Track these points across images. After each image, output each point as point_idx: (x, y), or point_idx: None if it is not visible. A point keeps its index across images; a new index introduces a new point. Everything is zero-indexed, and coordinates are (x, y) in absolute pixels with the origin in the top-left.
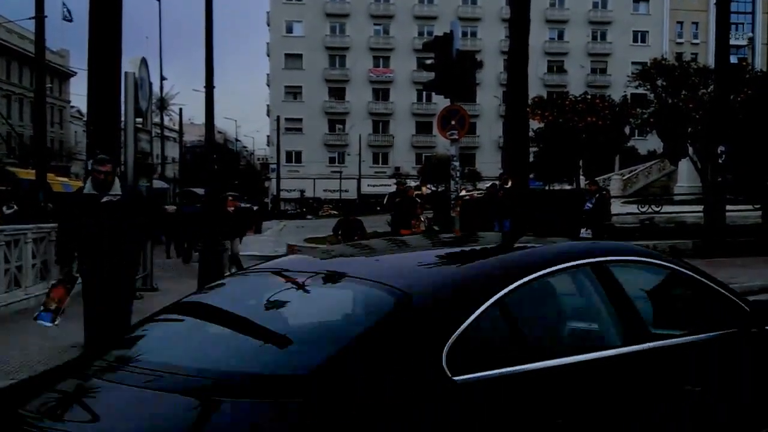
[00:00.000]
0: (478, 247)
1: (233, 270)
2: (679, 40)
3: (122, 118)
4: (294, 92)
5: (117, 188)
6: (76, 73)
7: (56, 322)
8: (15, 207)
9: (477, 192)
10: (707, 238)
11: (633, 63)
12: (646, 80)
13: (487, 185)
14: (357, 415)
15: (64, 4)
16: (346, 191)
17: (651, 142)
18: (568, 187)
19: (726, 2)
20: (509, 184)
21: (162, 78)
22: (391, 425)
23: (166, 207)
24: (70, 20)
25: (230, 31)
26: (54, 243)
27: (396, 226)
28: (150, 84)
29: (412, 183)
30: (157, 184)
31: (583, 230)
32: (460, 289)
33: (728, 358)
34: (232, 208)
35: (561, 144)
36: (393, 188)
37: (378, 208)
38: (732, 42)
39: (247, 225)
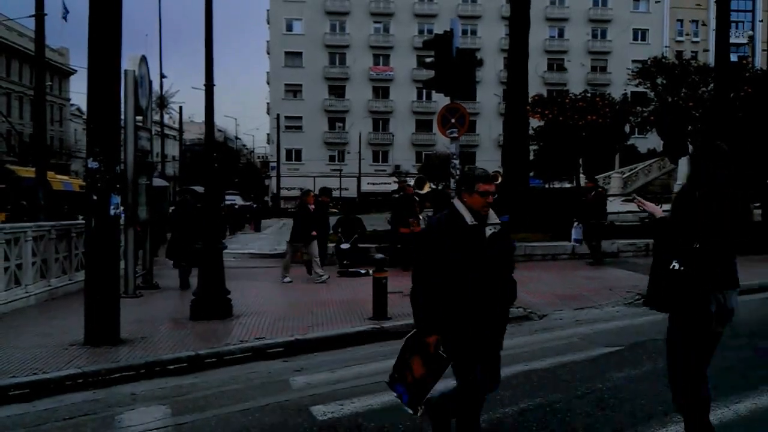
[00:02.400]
0: None
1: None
2: (679, 39)
3: (122, 116)
4: (294, 90)
5: (493, 215)
6: (75, 71)
7: (419, 412)
8: None
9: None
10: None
11: (633, 61)
12: (646, 78)
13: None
14: None
15: (63, 2)
16: (346, 189)
17: (651, 141)
18: (568, 185)
19: (726, 0)
20: (499, 180)
21: (162, 76)
22: None
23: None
24: (65, 17)
25: (230, 29)
26: (416, 296)
27: (396, 224)
28: (150, 82)
29: (411, 181)
30: (157, 182)
31: (576, 223)
32: None
33: None
34: (313, 206)
35: (561, 142)
36: (395, 186)
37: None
38: (732, 40)
39: (328, 224)
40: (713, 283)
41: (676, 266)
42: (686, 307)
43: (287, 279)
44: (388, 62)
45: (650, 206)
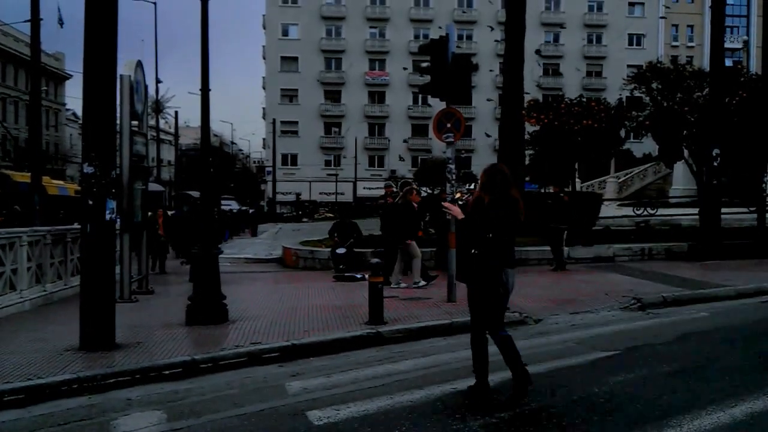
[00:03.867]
0: None
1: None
2: (674, 43)
3: (117, 121)
4: (290, 95)
5: None
6: (71, 76)
7: None
8: None
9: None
10: (702, 241)
11: (628, 66)
12: (642, 83)
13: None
14: None
15: (59, 8)
16: (342, 194)
17: (646, 145)
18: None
19: (721, 5)
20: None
21: (157, 81)
22: None
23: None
24: (61, 23)
25: (226, 34)
26: None
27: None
28: (145, 87)
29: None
30: (153, 187)
31: None
32: None
33: None
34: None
35: (556, 147)
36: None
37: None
38: (727, 45)
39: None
40: (501, 261)
41: (474, 251)
42: (482, 279)
43: (422, 283)
44: (383, 67)
45: (454, 210)
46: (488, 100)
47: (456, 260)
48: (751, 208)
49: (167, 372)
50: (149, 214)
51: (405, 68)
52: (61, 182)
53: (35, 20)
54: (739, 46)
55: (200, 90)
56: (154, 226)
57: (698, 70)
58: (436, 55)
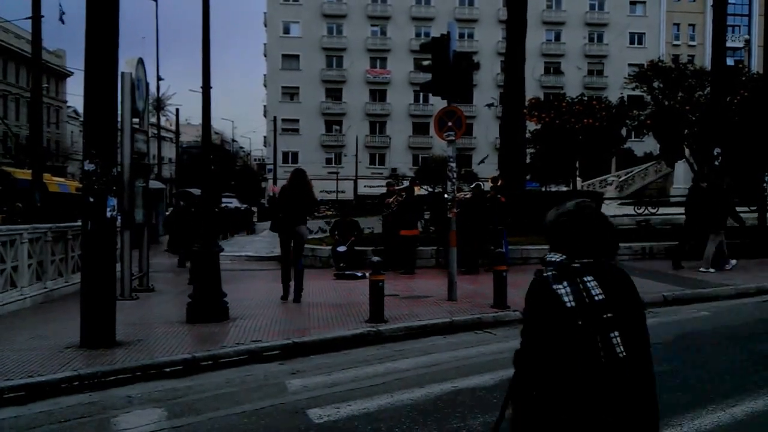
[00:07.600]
0: None
1: None
2: (675, 42)
3: (118, 119)
4: (291, 93)
5: None
6: (72, 73)
7: None
8: None
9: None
10: (703, 240)
11: (630, 65)
12: (643, 82)
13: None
14: None
15: (60, 5)
16: (343, 192)
17: (647, 144)
18: (564, 189)
19: (723, 4)
20: (500, 183)
21: (159, 78)
22: None
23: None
24: (62, 18)
25: (227, 32)
26: None
27: (397, 226)
28: (147, 84)
29: (405, 183)
30: (154, 184)
31: None
32: None
33: None
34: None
35: (558, 145)
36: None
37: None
38: (728, 44)
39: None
40: (295, 222)
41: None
42: (287, 231)
43: (730, 264)
44: (385, 65)
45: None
46: (488, 105)
47: (279, 221)
48: (752, 208)
49: (168, 369)
50: (183, 206)
51: (411, 71)
52: (62, 179)
53: (36, 17)
54: (741, 45)
55: (201, 88)
56: (190, 222)
57: (700, 69)
58: (437, 54)
